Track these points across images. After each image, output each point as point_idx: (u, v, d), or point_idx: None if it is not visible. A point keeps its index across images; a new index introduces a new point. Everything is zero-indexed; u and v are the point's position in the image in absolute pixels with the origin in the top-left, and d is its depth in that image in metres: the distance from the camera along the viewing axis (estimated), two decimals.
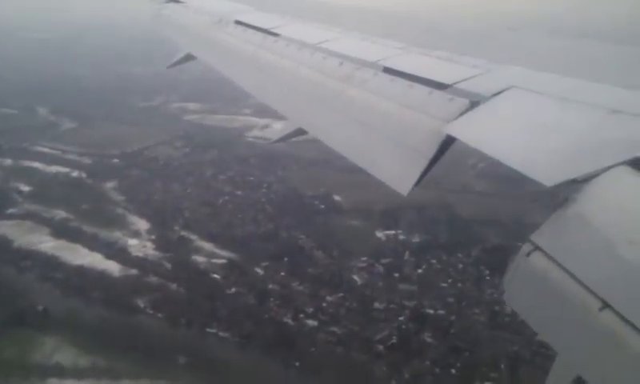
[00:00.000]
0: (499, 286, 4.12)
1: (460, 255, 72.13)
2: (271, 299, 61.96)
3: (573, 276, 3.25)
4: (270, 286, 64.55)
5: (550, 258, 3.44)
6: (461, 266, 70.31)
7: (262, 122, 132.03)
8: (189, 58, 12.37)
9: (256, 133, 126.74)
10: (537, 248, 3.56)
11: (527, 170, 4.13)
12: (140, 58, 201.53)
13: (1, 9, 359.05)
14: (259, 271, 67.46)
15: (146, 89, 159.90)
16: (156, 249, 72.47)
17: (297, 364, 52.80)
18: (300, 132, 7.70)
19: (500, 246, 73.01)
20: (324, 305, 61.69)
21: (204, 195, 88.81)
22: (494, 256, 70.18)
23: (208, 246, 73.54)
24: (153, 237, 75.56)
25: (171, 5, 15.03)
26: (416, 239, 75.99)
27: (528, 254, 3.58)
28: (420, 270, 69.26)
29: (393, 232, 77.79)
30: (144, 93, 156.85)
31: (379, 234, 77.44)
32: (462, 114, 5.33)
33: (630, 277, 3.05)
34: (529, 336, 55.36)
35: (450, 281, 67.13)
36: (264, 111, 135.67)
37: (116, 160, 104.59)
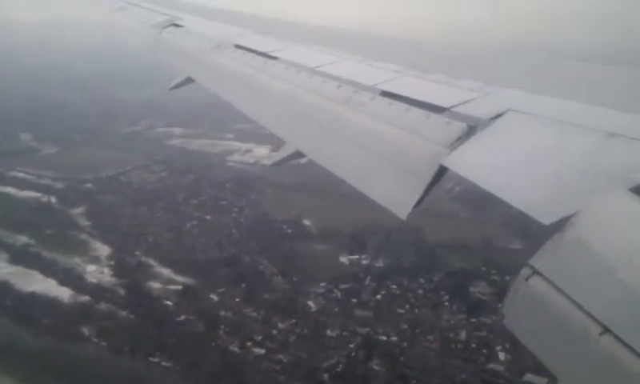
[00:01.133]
0: (499, 311, 4.01)
1: (422, 280, 70.82)
2: (221, 326, 61.00)
3: (572, 300, 3.21)
4: (223, 313, 63.60)
5: (549, 282, 3.40)
6: (421, 291, 69.01)
7: (245, 146, 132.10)
8: (189, 80, 12.25)
9: (237, 157, 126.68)
10: (535, 272, 3.52)
11: (524, 207, 4.07)
12: (131, 83, 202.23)
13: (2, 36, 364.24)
14: (214, 297, 66.57)
15: (132, 114, 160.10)
16: (113, 275, 71.82)
17: None
18: (297, 155, 7.56)
19: (463, 271, 72.03)
20: (274, 332, 60.63)
21: (172, 220, 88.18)
22: (456, 280, 69.25)
23: (166, 271, 72.74)
24: (112, 263, 74.99)
25: (171, 29, 14.94)
26: (379, 264, 74.97)
27: (527, 279, 3.55)
28: (379, 296, 68.09)
29: (357, 257, 76.80)
30: (130, 118, 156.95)
31: (343, 259, 76.44)
32: (459, 137, 5.31)
33: (630, 301, 3.00)
34: (480, 363, 54.14)
35: (407, 307, 65.89)
36: (247, 136, 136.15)
37: (89, 185, 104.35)
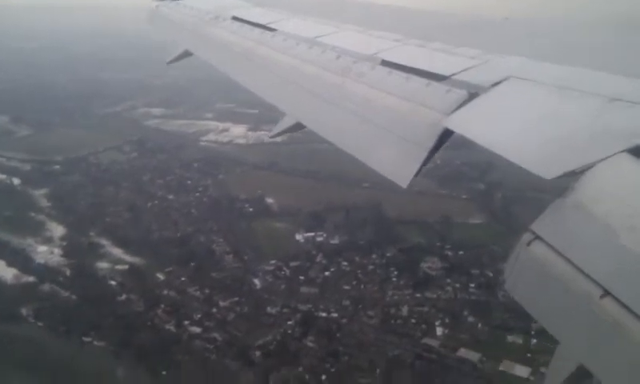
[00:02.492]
0: (500, 275, 4.07)
1: (374, 256, 70.22)
2: (161, 306, 60.69)
3: (573, 264, 3.18)
4: (165, 292, 63.28)
5: (551, 246, 3.36)
6: (371, 267, 68.41)
7: (222, 125, 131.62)
8: (187, 54, 12.18)
9: (211, 137, 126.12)
10: (537, 237, 3.48)
11: (526, 163, 4.03)
12: (120, 64, 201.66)
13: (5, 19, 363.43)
14: (160, 277, 66.24)
15: (115, 95, 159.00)
16: (63, 255, 71.55)
17: (164, 373, 51.70)
18: (298, 126, 7.50)
19: (417, 246, 71.47)
20: (214, 311, 60.28)
21: (133, 200, 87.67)
22: (408, 256, 68.65)
23: (117, 251, 72.49)
24: (64, 243, 74.84)
25: (167, 2, 14.96)
26: (335, 241, 74.44)
27: (528, 244, 3.50)
28: (327, 273, 67.45)
29: (312, 234, 76.30)
30: (112, 99, 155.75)
31: (298, 237, 75.97)
32: (459, 105, 5.24)
33: (630, 264, 2.98)
34: (416, 339, 53.75)
35: (354, 283, 65.26)
36: (226, 116, 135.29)
37: (57, 166, 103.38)
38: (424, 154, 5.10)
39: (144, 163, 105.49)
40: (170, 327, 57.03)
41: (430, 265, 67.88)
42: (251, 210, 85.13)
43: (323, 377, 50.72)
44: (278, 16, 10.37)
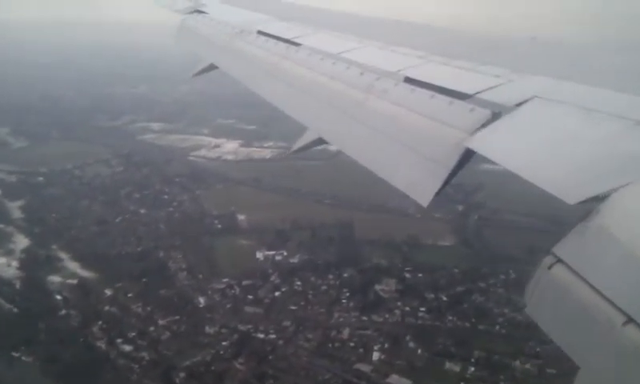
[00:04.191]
0: (521, 299, 3.90)
1: (330, 277, 68.91)
2: (99, 322, 60.09)
3: (596, 289, 3.12)
4: (107, 308, 62.68)
5: (573, 270, 3.31)
6: (324, 287, 67.07)
7: (216, 141, 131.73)
8: (212, 67, 12.25)
9: (203, 152, 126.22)
10: (559, 260, 3.43)
11: (549, 186, 3.96)
12: (131, 80, 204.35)
13: (23, 36, 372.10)
14: (108, 292, 65.72)
15: (119, 109, 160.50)
16: (18, 268, 71.66)
17: None
18: (320, 142, 7.51)
19: (376, 267, 69.79)
20: (151, 329, 59.40)
21: (105, 214, 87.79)
22: (366, 277, 67.06)
23: (73, 265, 72.22)
24: (23, 256, 74.97)
25: (195, 15, 15.07)
26: (294, 260, 73.28)
27: (550, 267, 3.46)
28: (277, 293, 66.19)
29: (273, 253, 75.20)
30: (115, 113, 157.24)
31: (259, 255, 74.95)
32: (483, 125, 5.16)
33: None
34: (350, 363, 52.14)
35: (302, 304, 63.87)
36: (222, 131, 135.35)
37: (40, 178, 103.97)
38: (445, 174, 5.04)
39: (126, 177, 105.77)
40: (102, 344, 56.27)
41: (384, 287, 66.23)
42: (220, 226, 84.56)
43: None
44: (302, 31, 10.33)
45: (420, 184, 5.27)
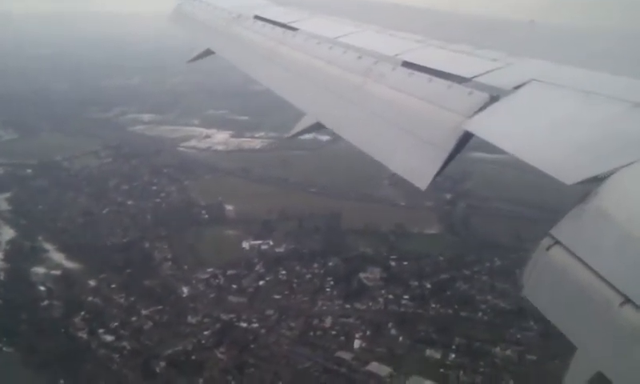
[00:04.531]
0: (518, 281, 3.89)
1: (315, 265, 68.76)
2: (82, 313, 59.95)
3: (593, 271, 3.14)
4: (90, 299, 62.48)
5: (570, 252, 3.34)
6: (309, 276, 66.88)
7: (207, 132, 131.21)
8: (208, 53, 12.21)
9: (192, 143, 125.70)
10: (556, 242, 3.45)
11: (547, 167, 3.97)
12: (127, 71, 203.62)
13: (25, 27, 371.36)
14: (92, 283, 65.58)
15: (111, 101, 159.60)
16: (2, 259, 71.47)
17: (62, 381, 50.68)
18: (317, 126, 7.47)
19: (362, 256, 69.59)
20: (133, 319, 59.23)
21: (92, 205, 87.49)
22: (351, 266, 66.89)
23: (58, 256, 71.94)
24: (8, 247, 74.82)
25: (191, 0, 15.16)
26: (280, 249, 73.06)
27: (547, 249, 3.48)
28: (262, 282, 65.99)
29: (259, 242, 75.04)
30: (108, 104, 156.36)
31: (245, 245, 74.78)
32: (481, 108, 5.20)
33: None
34: (331, 351, 52.08)
35: (286, 293, 63.66)
36: (213, 122, 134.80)
37: (29, 170, 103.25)
38: (444, 156, 5.08)
39: (115, 168, 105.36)
40: (83, 335, 56.19)
41: (369, 275, 66.05)
42: (207, 216, 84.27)
43: None
44: (299, 15, 10.34)
45: (418, 168, 5.31)
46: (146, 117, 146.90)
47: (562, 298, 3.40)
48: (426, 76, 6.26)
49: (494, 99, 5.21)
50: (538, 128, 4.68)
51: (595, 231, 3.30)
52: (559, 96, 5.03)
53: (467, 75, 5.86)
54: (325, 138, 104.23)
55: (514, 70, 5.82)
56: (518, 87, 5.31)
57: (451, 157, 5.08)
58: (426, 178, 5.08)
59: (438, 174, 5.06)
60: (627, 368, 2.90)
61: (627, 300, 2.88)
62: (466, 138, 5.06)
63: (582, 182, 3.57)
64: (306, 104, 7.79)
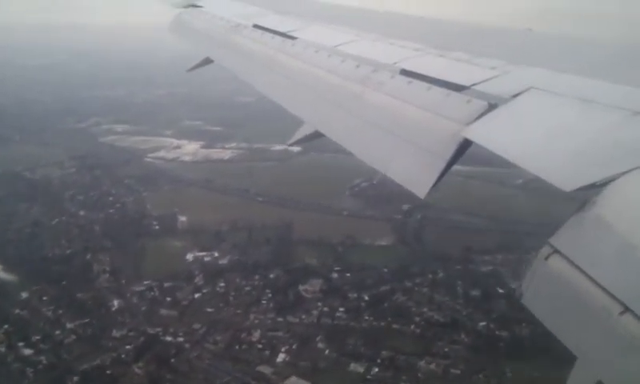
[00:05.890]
0: (516, 289, 3.71)
1: (256, 277, 67.50)
2: (5, 326, 58.77)
3: (592, 279, 3.09)
4: (17, 311, 61.32)
5: (569, 260, 3.29)
6: (248, 288, 65.61)
7: (177, 142, 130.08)
8: (207, 61, 12.26)
9: (161, 154, 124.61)
10: (555, 251, 3.41)
11: (545, 174, 3.98)
12: (109, 82, 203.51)
13: (19, 38, 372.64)
14: (23, 295, 64.36)
15: (89, 111, 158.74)
16: None
17: None
18: (316, 135, 7.43)
19: (305, 267, 68.26)
20: (57, 332, 57.88)
21: (42, 216, 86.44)
22: (292, 277, 65.63)
23: None
24: None
25: (190, 9, 15.10)
26: (224, 261, 71.84)
27: (546, 257, 3.45)
28: (197, 295, 64.65)
29: (204, 254, 73.81)
30: (85, 115, 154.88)
31: (189, 256, 73.57)
32: (480, 116, 5.16)
33: None
34: (252, 366, 50.81)
35: (220, 305, 62.38)
36: (185, 133, 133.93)
37: None
38: (442, 165, 5.03)
39: (76, 179, 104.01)
40: (1, 348, 54.99)
41: (308, 287, 64.76)
42: (157, 227, 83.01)
43: None
44: (298, 24, 10.33)
45: (417, 175, 5.26)
46: (120, 127, 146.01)
47: (561, 308, 3.35)
48: (424, 84, 6.22)
49: (492, 107, 5.16)
50: (537, 135, 4.66)
51: (594, 239, 3.26)
52: (558, 104, 5.00)
53: (466, 83, 5.84)
54: (297, 149, 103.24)
55: (513, 78, 5.78)
56: (516, 95, 5.28)
57: (450, 164, 5.01)
58: (425, 186, 5.01)
59: (437, 181, 4.99)
60: (627, 377, 2.85)
61: (627, 309, 2.83)
62: (465, 146, 5.00)
63: (580, 189, 3.51)
64: (305, 112, 7.73)
